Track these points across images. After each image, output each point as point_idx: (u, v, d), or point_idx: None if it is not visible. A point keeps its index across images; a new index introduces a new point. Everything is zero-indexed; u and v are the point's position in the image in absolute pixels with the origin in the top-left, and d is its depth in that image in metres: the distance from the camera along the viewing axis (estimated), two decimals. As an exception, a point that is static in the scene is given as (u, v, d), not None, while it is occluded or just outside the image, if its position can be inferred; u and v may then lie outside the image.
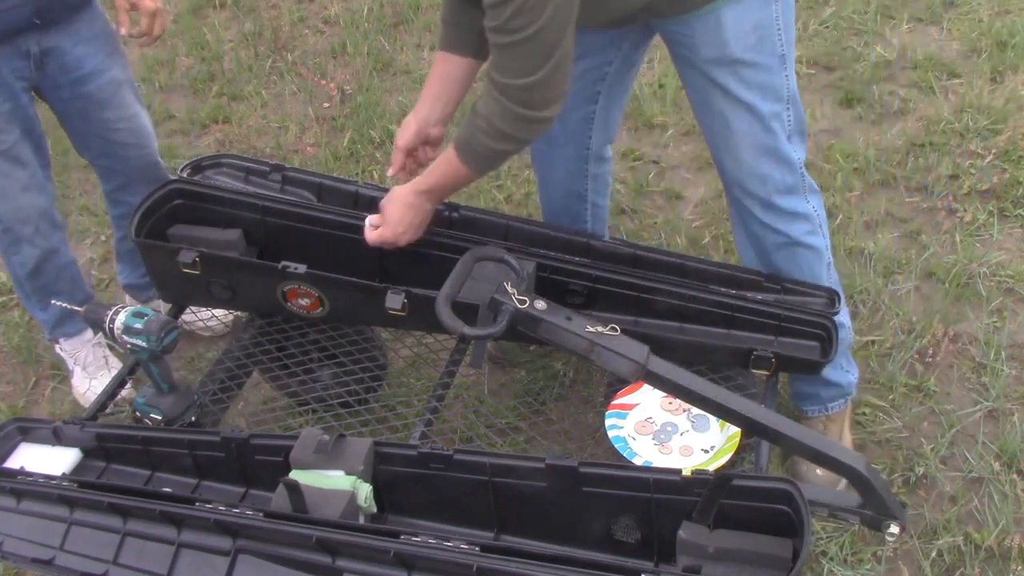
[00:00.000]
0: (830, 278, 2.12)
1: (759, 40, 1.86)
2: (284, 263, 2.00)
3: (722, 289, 1.99)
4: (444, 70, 2.00)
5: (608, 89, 2.14)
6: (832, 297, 2.01)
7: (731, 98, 1.91)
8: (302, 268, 1.99)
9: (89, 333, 2.69)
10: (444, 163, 1.89)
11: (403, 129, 2.03)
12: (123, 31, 2.22)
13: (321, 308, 2.06)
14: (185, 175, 2.24)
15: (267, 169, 2.26)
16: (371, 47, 4.11)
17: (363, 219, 2.02)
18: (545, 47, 1.63)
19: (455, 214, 2.19)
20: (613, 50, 2.08)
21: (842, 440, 2.26)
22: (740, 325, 1.95)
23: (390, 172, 2.12)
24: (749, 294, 1.99)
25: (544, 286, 2.00)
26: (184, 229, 2.16)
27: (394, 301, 1.96)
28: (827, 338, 1.89)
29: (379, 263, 2.10)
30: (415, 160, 2.10)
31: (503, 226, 2.17)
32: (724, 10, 1.82)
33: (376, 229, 1.98)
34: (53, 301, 2.16)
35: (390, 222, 1.95)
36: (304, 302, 2.06)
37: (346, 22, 4.28)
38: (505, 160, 1.94)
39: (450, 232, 2.10)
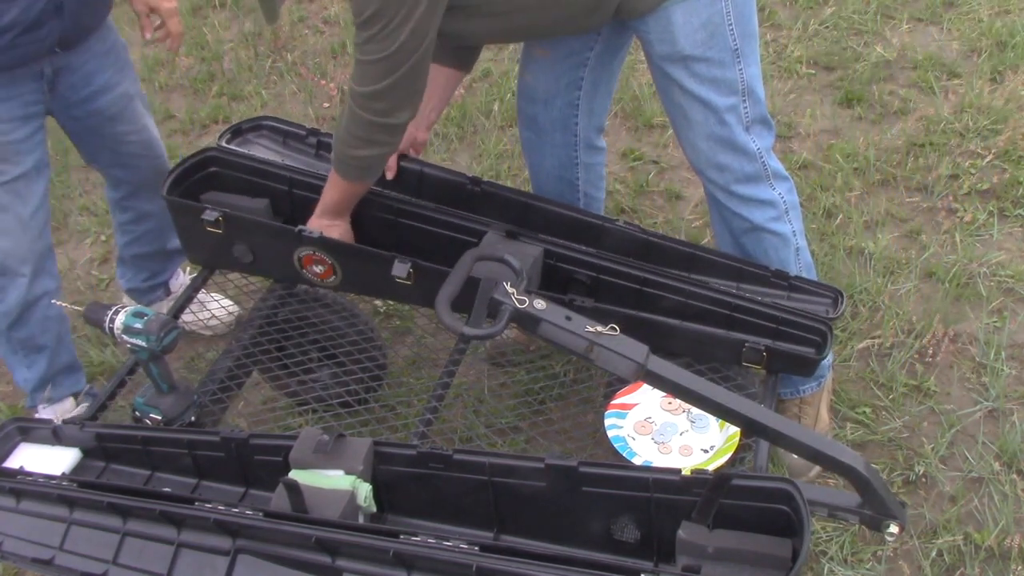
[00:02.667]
0: (799, 263, 2.16)
1: (710, 36, 1.92)
2: (300, 227, 2.06)
3: (723, 286, 2.00)
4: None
5: (592, 75, 2.18)
6: (836, 299, 2.01)
7: (686, 92, 1.98)
8: (317, 232, 2.05)
9: (70, 402, 2.48)
10: (329, 182, 2.05)
11: None
12: (147, 35, 2.24)
13: (334, 276, 2.11)
14: (225, 140, 2.31)
15: (304, 133, 2.37)
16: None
17: (385, 192, 2.19)
18: (391, 67, 1.83)
19: (478, 188, 2.22)
20: (593, 35, 2.11)
21: (819, 422, 2.27)
22: (738, 326, 1.95)
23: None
24: (750, 291, 2.00)
25: (550, 274, 2.05)
26: (216, 196, 2.23)
27: (400, 270, 2.00)
28: (822, 343, 1.90)
29: (397, 236, 2.16)
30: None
31: (522, 204, 2.20)
32: (673, 8, 1.89)
33: None
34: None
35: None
36: (318, 269, 2.11)
37: (346, 22, 4.27)
38: (377, 165, 2.03)
39: (470, 215, 2.13)
